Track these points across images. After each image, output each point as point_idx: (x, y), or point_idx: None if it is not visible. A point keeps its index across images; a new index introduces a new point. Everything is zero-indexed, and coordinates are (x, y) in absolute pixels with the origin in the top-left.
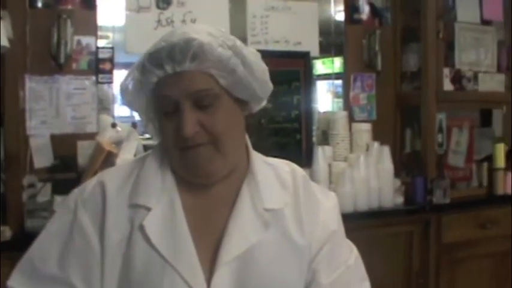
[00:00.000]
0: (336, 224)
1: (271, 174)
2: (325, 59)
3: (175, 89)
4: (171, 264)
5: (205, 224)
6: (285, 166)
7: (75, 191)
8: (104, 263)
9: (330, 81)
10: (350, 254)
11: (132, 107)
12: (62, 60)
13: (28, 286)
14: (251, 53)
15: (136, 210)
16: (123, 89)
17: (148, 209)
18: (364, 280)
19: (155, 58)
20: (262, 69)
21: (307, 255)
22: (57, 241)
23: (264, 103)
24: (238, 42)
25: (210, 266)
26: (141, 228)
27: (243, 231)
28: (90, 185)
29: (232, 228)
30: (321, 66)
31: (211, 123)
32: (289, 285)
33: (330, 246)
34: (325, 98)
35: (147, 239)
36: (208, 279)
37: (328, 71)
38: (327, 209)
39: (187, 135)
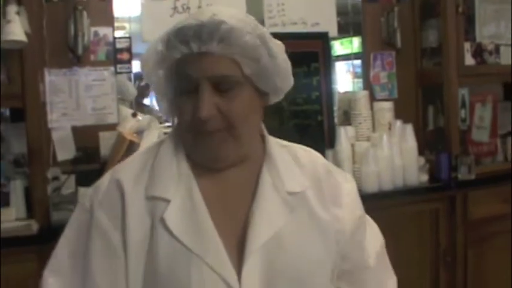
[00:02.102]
0: (359, 208)
1: (288, 157)
2: (344, 39)
3: (198, 69)
4: (198, 254)
5: (227, 211)
6: (299, 149)
7: (89, 191)
8: (128, 261)
9: (349, 62)
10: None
11: (149, 79)
12: (80, 52)
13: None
14: (277, 45)
15: (155, 203)
16: (144, 60)
17: (167, 201)
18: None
19: (182, 34)
20: (286, 63)
21: (333, 232)
22: (79, 242)
23: (281, 96)
24: (267, 34)
25: (237, 254)
26: (162, 221)
27: (269, 217)
28: (104, 183)
29: (257, 214)
30: (339, 47)
31: (228, 109)
32: (319, 265)
33: (360, 233)
34: (344, 79)
35: (170, 232)
36: (238, 267)
37: (347, 51)
38: (348, 191)
39: (203, 117)
